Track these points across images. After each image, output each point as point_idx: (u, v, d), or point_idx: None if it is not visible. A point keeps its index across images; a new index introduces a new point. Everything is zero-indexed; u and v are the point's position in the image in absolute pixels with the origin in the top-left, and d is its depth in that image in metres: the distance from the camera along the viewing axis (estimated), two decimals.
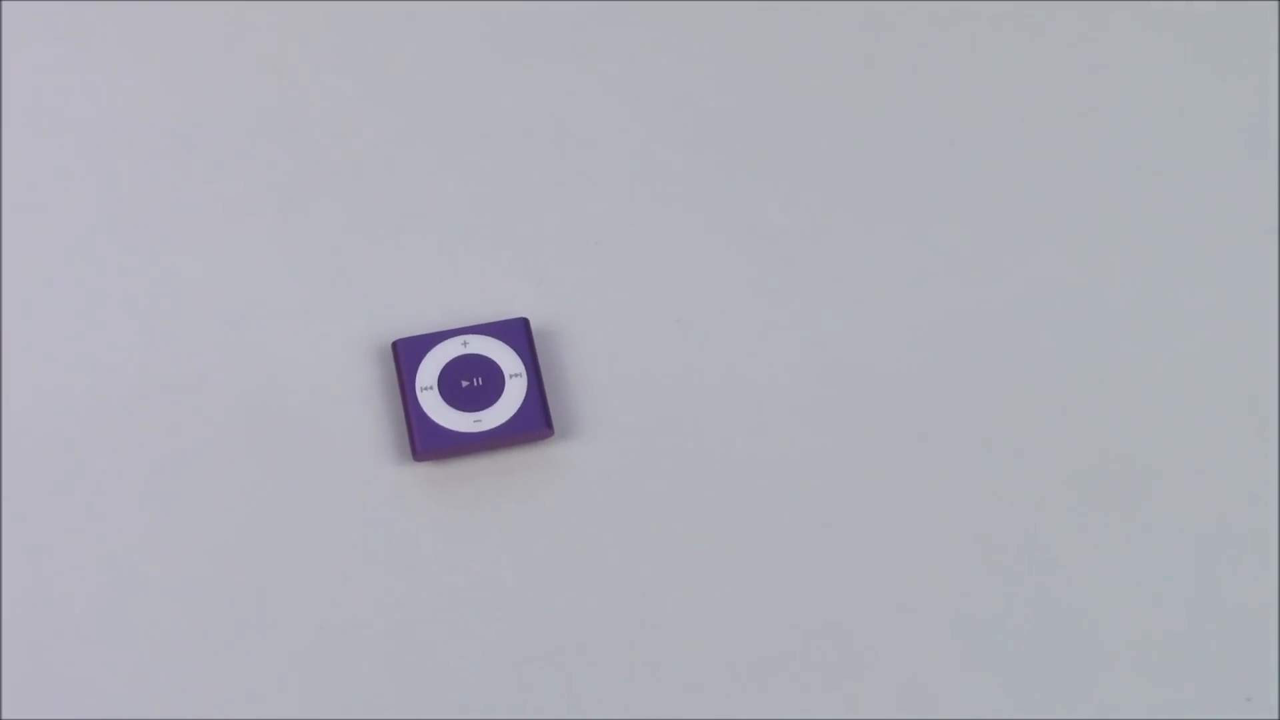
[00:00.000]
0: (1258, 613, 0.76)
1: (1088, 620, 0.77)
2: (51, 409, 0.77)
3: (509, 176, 0.85)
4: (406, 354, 0.78)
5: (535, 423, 0.76)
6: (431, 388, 0.77)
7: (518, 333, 0.78)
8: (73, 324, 0.80)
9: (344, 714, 0.72)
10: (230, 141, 0.85)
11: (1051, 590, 0.77)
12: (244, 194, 0.83)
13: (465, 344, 0.78)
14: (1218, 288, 0.86)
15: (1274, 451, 0.80)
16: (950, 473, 0.80)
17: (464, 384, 0.77)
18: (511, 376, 0.77)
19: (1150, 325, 0.85)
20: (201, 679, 0.72)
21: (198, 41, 0.87)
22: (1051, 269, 0.86)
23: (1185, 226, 0.88)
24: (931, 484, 0.79)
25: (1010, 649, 0.75)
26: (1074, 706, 0.74)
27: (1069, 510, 0.79)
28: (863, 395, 0.81)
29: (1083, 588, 0.77)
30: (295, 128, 0.85)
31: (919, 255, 0.86)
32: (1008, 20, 0.93)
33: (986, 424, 0.81)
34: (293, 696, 0.72)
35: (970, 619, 0.77)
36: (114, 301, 0.80)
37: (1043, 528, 0.79)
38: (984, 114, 0.90)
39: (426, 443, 0.76)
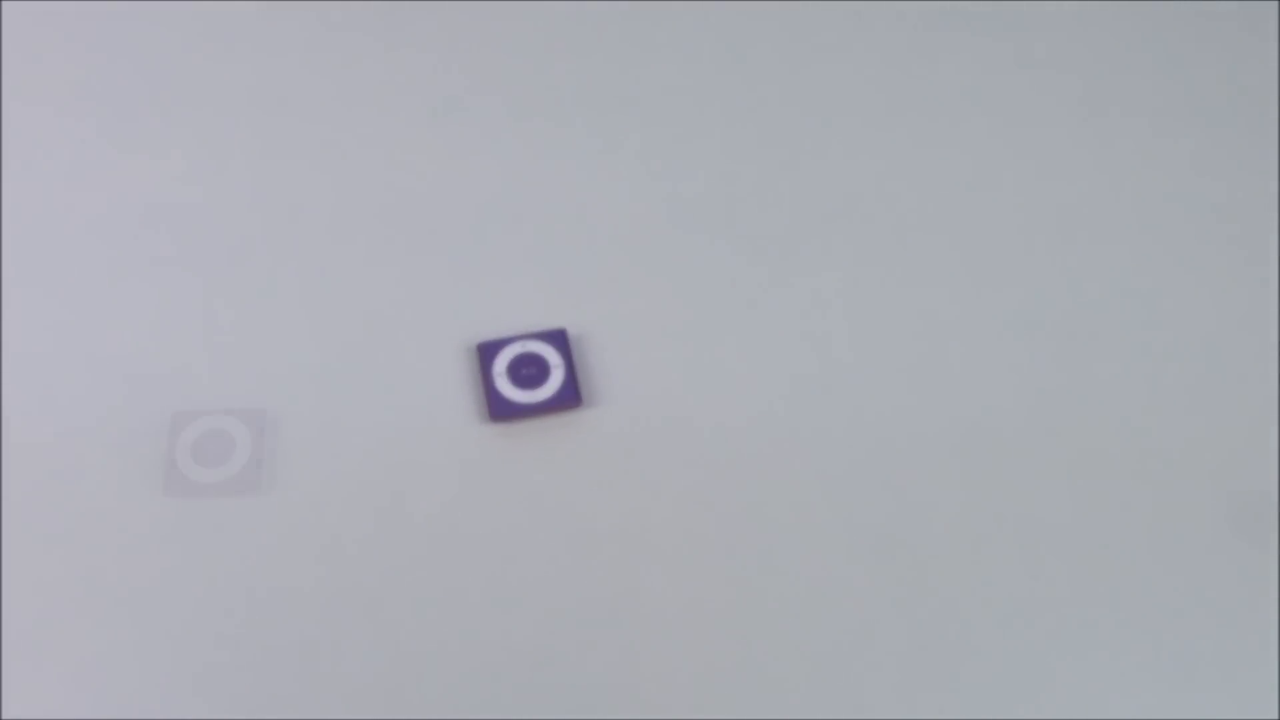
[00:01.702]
0: None
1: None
2: (218, 387, 0.87)
3: (551, 234, 0.94)
4: (486, 352, 0.89)
5: (570, 398, 0.88)
6: (503, 374, 0.88)
7: (559, 338, 0.89)
8: (240, 327, 0.89)
9: (453, 577, 0.81)
10: (361, 209, 0.95)
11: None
12: (379, 244, 0.94)
13: (525, 345, 0.89)
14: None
15: None
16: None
17: (524, 371, 0.88)
18: (554, 367, 0.88)
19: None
20: (341, 575, 0.82)
21: (338, 117, 0.97)
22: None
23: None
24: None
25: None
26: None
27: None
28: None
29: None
30: (414, 199, 0.95)
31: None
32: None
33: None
34: (416, 572, 0.81)
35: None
36: (289, 309, 0.89)
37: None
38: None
39: (498, 410, 0.87)
